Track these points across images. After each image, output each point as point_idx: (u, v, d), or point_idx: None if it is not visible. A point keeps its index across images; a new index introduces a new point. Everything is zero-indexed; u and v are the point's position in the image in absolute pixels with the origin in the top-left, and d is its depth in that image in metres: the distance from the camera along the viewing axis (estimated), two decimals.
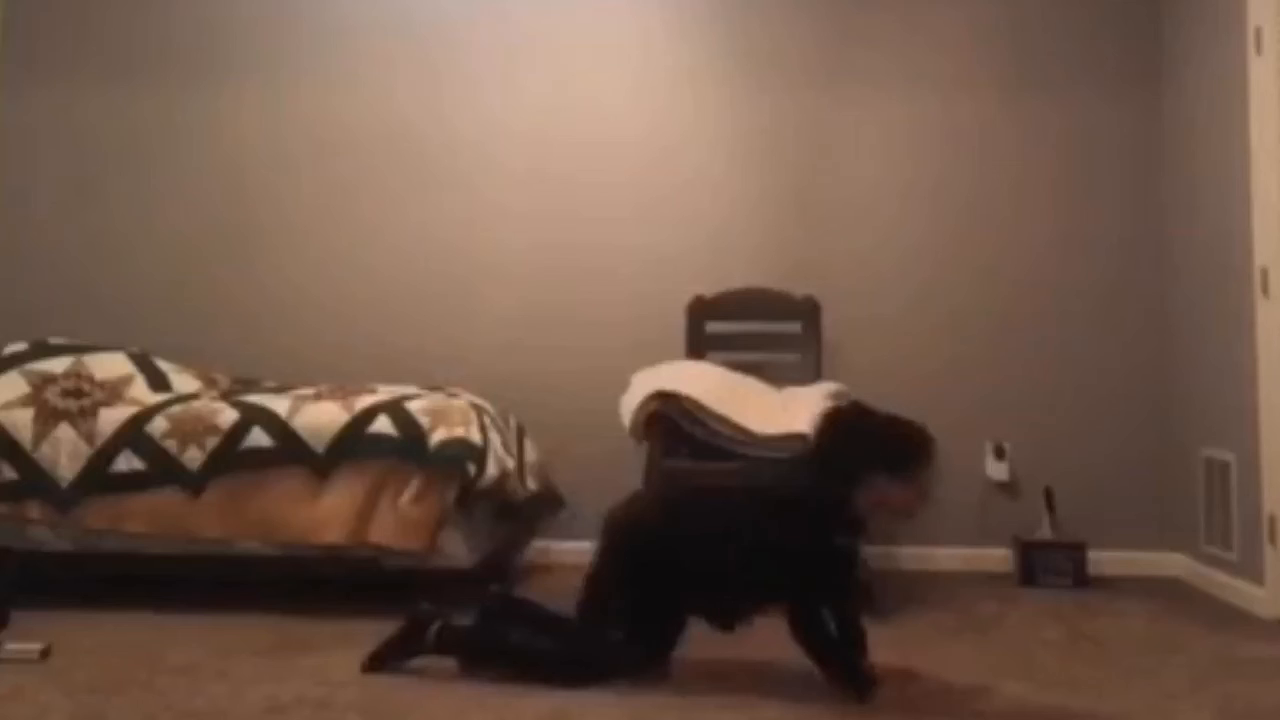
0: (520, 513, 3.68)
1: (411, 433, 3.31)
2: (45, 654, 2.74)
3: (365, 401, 3.40)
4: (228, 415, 3.37)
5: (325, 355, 4.26)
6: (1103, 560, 3.95)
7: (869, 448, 2.52)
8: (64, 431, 3.37)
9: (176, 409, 3.41)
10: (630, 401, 3.55)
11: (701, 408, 3.43)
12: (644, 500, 2.91)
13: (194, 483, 3.30)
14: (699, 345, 4.05)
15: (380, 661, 2.66)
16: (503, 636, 2.68)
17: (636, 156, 4.34)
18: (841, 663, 2.52)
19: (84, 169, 4.48)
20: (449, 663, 2.64)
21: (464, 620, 2.69)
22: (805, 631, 2.52)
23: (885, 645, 2.75)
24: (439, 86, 4.41)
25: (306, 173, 4.42)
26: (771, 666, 2.65)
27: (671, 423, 3.46)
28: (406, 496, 3.27)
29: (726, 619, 2.65)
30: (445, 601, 2.76)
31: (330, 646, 2.86)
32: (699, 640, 2.66)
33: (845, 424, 2.61)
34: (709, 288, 4.11)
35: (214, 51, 4.47)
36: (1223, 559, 3.68)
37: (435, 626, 2.66)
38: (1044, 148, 4.24)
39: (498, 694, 2.47)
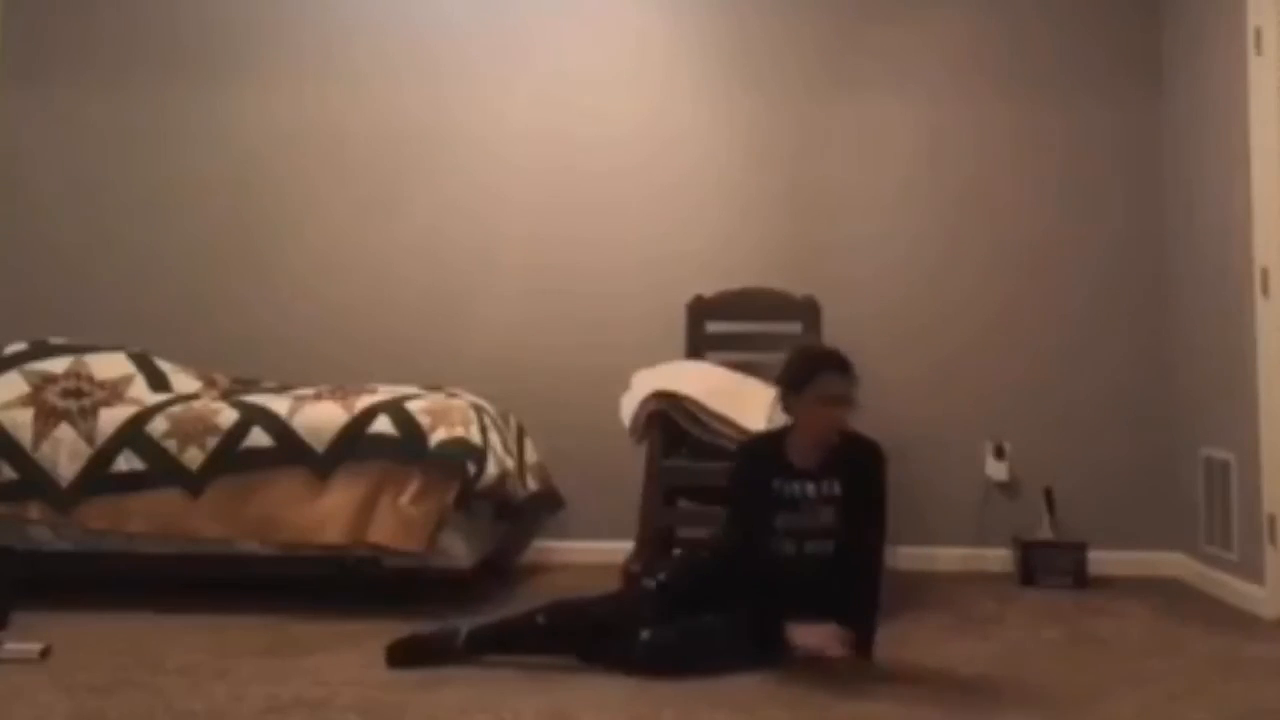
0: (520, 513, 3.68)
1: (411, 433, 3.30)
2: (45, 654, 2.74)
3: (365, 401, 3.40)
4: (228, 415, 3.37)
5: (325, 355, 4.25)
6: (1103, 560, 3.94)
7: (779, 378, 2.83)
8: (64, 431, 3.37)
9: (176, 409, 3.42)
10: (630, 401, 3.55)
11: (702, 407, 3.44)
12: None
13: (194, 483, 3.30)
14: (699, 345, 4.05)
15: (404, 654, 2.69)
16: (531, 619, 2.74)
17: (636, 156, 4.33)
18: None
19: (84, 169, 4.48)
20: (449, 663, 2.66)
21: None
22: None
23: (885, 645, 2.75)
24: (439, 86, 4.40)
25: (307, 172, 4.42)
26: (774, 667, 2.64)
27: (671, 422, 3.46)
28: (406, 496, 3.26)
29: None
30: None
31: (330, 646, 2.86)
32: None
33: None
34: (709, 287, 4.11)
35: (215, 51, 4.46)
36: (1223, 559, 3.68)
37: (463, 634, 2.71)
38: (1044, 148, 4.23)
39: (498, 694, 2.48)
